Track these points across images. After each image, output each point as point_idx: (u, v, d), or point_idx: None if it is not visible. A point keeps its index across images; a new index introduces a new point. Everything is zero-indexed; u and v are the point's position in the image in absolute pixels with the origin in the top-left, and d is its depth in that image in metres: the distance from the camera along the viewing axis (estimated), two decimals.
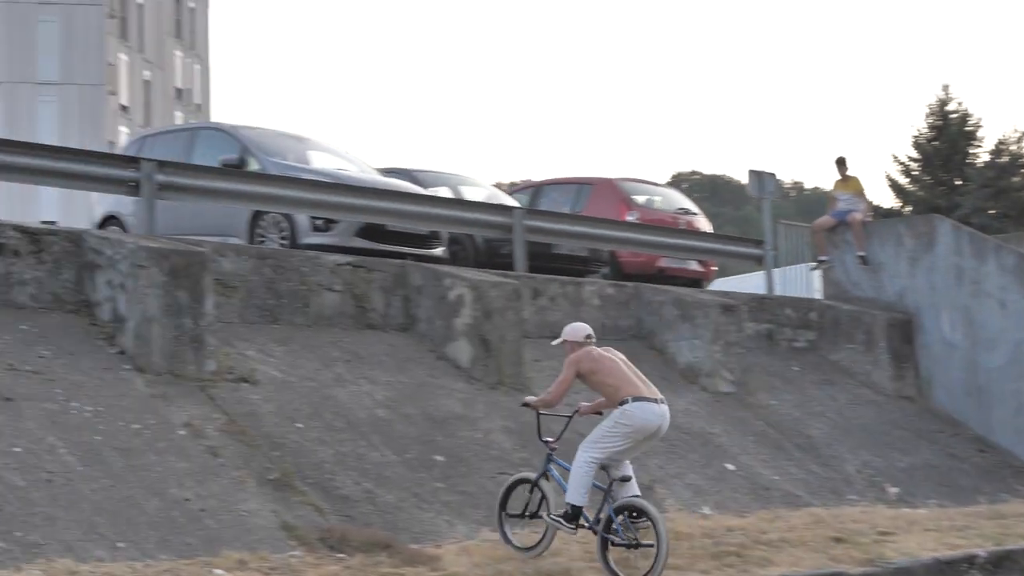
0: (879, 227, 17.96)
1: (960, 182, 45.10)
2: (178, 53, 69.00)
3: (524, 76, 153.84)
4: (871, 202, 17.95)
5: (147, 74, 63.77)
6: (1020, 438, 15.85)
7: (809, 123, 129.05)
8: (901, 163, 46.19)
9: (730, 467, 12.79)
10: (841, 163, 18.09)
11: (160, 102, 65.22)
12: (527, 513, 9.28)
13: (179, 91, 68.83)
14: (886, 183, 46.38)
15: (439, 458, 10.77)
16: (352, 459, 10.17)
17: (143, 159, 12.72)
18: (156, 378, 10.17)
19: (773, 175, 18.74)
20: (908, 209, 43.61)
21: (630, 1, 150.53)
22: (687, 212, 18.78)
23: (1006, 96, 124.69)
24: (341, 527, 9.08)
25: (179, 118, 67.46)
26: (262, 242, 14.06)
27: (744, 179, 18.74)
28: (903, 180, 46.04)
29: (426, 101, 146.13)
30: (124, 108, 60.14)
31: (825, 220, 18.14)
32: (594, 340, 9.30)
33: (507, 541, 9.29)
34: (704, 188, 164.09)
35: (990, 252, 16.51)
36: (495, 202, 16.44)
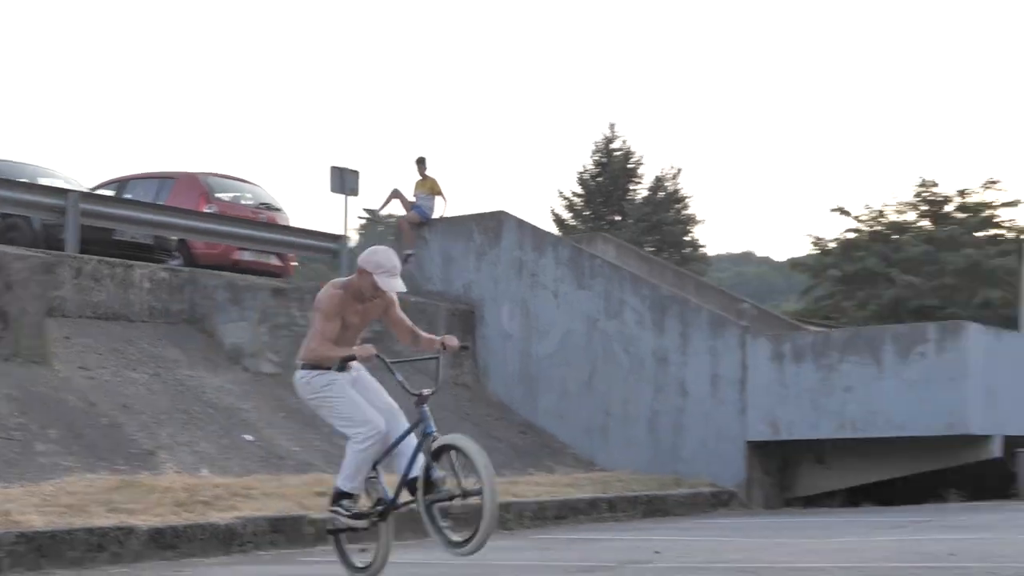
0: (453, 224, 18.60)
1: (619, 217, 46.96)
2: None
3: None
4: (446, 200, 18.69)
5: None
6: (561, 421, 16.69)
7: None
8: (566, 198, 47.81)
9: (249, 438, 13.01)
10: (420, 163, 18.82)
11: None
12: None
13: None
14: (551, 218, 47.89)
15: None
16: None
17: None
18: None
19: (356, 173, 19.26)
20: None
21: None
22: (269, 208, 18.99)
23: (665, 134, 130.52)
24: None
25: None
26: None
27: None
28: (566, 215, 47.60)
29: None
30: None
31: (412, 216, 18.75)
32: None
33: None
34: None
35: (548, 245, 17.37)
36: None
